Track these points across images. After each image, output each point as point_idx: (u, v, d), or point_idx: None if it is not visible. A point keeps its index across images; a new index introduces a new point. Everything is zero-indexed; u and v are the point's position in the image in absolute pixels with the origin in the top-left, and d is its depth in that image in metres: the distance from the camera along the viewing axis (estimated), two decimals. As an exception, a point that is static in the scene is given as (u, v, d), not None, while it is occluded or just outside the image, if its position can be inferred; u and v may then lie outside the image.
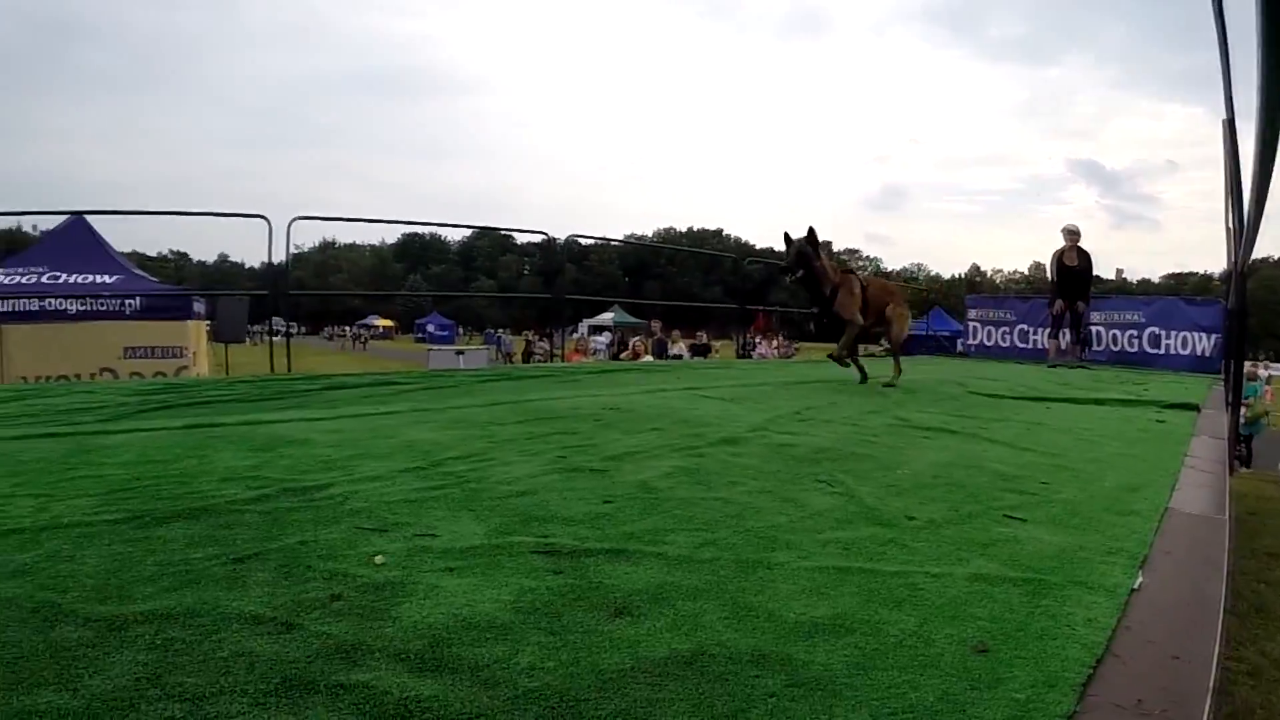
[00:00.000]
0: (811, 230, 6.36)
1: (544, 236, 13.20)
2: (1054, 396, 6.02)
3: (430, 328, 61.72)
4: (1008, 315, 13.64)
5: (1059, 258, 11.37)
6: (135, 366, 12.72)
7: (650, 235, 76.88)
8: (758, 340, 21.99)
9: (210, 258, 78.72)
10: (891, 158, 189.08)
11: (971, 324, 14.13)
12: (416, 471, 2.89)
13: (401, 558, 1.94)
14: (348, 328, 60.95)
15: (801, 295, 6.81)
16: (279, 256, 9.67)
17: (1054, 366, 10.52)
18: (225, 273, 71.85)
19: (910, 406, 4.95)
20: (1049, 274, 11.92)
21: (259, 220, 9.46)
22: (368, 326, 61.59)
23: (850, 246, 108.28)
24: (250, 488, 2.63)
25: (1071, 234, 11.36)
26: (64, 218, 13.85)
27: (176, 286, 14.81)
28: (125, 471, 2.94)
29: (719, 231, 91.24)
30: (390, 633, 1.50)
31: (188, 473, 2.90)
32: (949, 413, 4.77)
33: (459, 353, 19.60)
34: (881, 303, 7.00)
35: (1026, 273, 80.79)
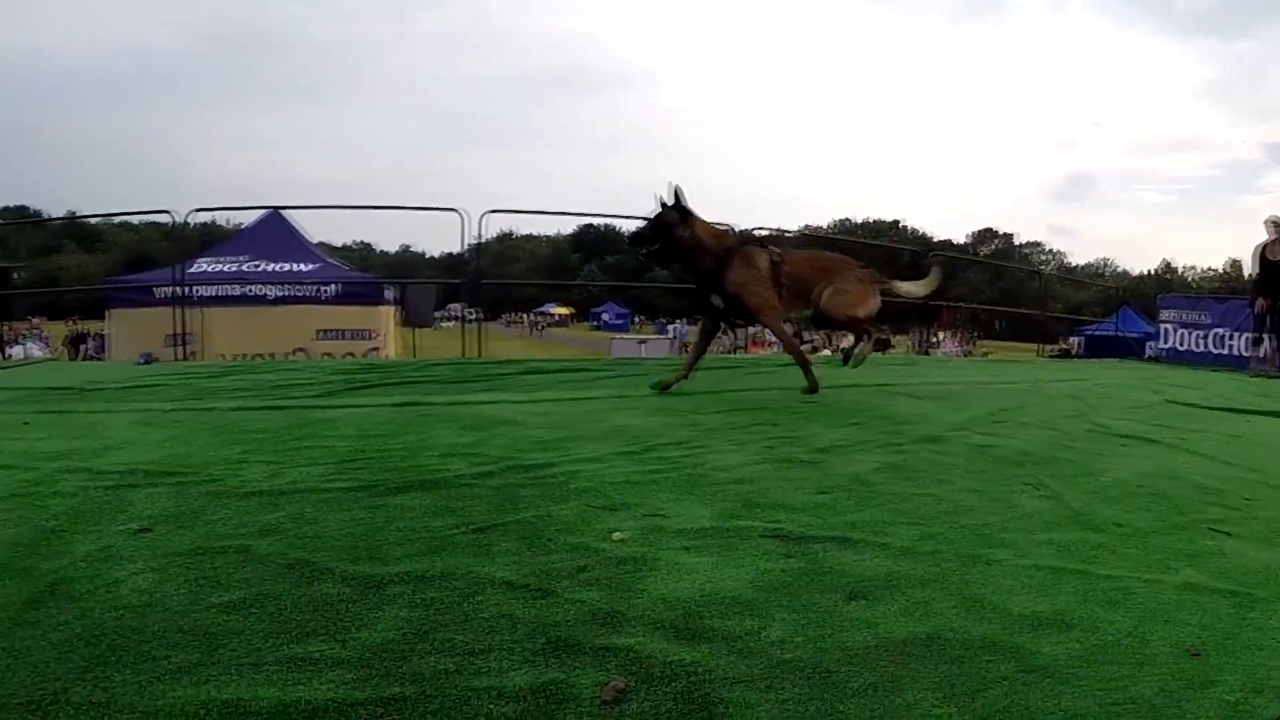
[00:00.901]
0: (676, 190, 4.91)
1: (725, 228, 13.41)
2: (1254, 409, 5.75)
3: (606, 316, 62.32)
4: (1203, 317, 12.84)
5: (1261, 251, 10.71)
6: (326, 347, 13.57)
7: (825, 226, 74.56)
8: (942, 337, 21.40)
9: (393, 248, 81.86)
10: (1075, 144, 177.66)
11: (1164, 326, 13.38)
12: (631, 455, 3.09)
13: (638, 535, 2.12)
14: (525, 314, 62.06)
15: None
16: (471, 248, 10.25)
17: (1255, 376, 9.95)
18: (407, 262, 74.57)
19: (1106, 413, 4.85)
20: (1250, 269, 11.28)
21: (441, 213, 10.01)
22: (545, 314, 62.71)
23: (1033, 239, 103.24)
24: (474, 464, 2.88)
25: (1276, 225, 10.71)
26: (261, 212, 14.85)
27: (371, 274, 15.62)
28: (349, 444, 3.26)
29: (896, 223, 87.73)
30: (641, 603, 1.68)
31: (410, 447, 3.19)
32: (1146, 421, 4.65)
33: (641, 342, 19.94)
34: (812, 281, 5.21)
35: (1223, 270, 75.32)
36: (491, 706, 1.29)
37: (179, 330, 11.02)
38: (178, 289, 11.48)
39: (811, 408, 4.56)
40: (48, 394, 5.08)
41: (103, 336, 19.54)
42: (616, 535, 2.11)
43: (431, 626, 1.55)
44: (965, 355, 19.82)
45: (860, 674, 1.43)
